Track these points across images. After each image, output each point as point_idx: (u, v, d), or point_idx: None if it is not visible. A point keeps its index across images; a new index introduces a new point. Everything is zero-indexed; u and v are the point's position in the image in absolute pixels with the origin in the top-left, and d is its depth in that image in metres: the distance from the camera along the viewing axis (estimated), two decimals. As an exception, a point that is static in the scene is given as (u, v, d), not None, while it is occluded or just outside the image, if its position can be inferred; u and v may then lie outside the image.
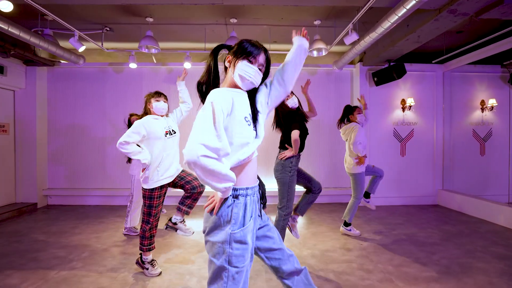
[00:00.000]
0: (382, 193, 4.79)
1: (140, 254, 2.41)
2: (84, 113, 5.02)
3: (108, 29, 4.17)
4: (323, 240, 3.26)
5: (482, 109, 5.08)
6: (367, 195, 3.51)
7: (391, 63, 4.57)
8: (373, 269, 2.51)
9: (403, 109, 4.95)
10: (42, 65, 4.76)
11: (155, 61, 5.03)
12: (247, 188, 1.18)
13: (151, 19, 3.86)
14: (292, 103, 2.64)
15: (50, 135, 4.99)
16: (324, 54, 3.99)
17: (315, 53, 4.04)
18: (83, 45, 3.61)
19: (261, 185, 1.34)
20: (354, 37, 3.17)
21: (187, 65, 4.38)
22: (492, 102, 5.01)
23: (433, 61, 4.65)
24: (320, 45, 3.82)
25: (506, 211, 3.74)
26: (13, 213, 4.23)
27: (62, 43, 4.37)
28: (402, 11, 2.60)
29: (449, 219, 4.10)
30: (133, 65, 4.39)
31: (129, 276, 2.38)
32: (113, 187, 4.99)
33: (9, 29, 3.02)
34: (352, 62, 5.22)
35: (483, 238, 3.28)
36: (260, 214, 1.28)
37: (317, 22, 3.92)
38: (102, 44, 4.19)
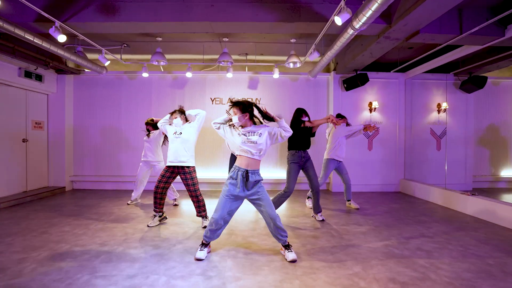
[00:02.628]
0: (352, 182, 5.73)
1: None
2: (103, 112, 6.06)
3: (125, 45, 5.20)
4: (291, 212, 4.23)
5: (438, 111, 6.01)
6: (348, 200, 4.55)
7: (358, 72, 5.52)
8: (320, 227, 3.47)
9: (370, 110, 5.90)
10: (70, 73, 5.81)
11: (162, 70, 6.05)
12: (239, 168, 2.41)
13: (160, 39, 4.88)
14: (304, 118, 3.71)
15: (76, 131, 6.04)
16: (298, 65, 4.96)
17: (291, 65, 5.02)
18: (108, 60, 4.63)
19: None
20: (315, 55, 4.15)
21: (189, 74, 5.40)
22: (445, 105, 5.94)
23: (391, 71, 5.60)
24: (295, 59, 4.80)
25: (439, 192, 4.67)
26: (47, 193, 5.28)
27: (89, 55, 5.42)
28: (346, 37, 3.54)
29: (401, 200, 5.04)
30: (145, 74, 5.42)
31: (145, 228, 3.38)
32: (125, 174, 6.02)
33: (58, 51, 4.06)
34: (328, 71, 6.18)
35: (416, 211, 4.23)
36: (245, 186, 2.44)
37: (292, 40, 4.91)
38: (121, 57, 5.22)
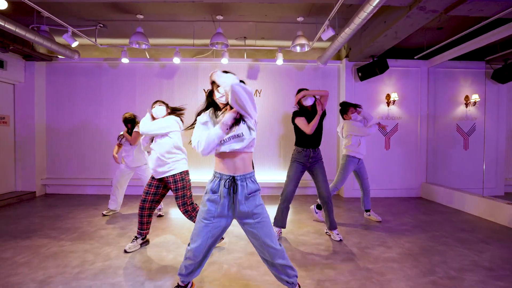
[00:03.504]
0: (366, 185, 4.95)
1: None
2: (81, 106, 5.25)
3: (101, 25, 4.38)
4: (299, 226, 3.45)
5: (466, 104, 5.20)
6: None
7: (375, 59, 4.71)
8: (339, 251, 2.69)
9: (388, 103, 5.09)
10: (41, 60, 5.00)
11: (148, 57, 5.24)
12: (221, 175, 1.62)
13: (141, 16, 4.07)
14: (306, 102, 2.85)
15: (49, 127, 5.24)
16: (306, 49, 4.16)
17: (298, 49, 4.21)
18: (76, 40, 3.82)
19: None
20: (330, 33, 3.33)
21: (177, 60, 4.58)
22: (475, 97, 5.13)
23: (415, 57, 4.78)
24: (303, 40, 3.99)
25: (478, 201, 3.88)
26: (12, 200, 4.50)
27: (59, 39, 4.60)
28: (369, 8, 2.75)
29: (427, 210, 4.25)
30: (125, 60, 4.60)
31: (113, 251, 2.60)
32: (108, 177, 5.23)
33: (6, 25, 3.24)
34: (338, 58, 5.36)
35: (453, 226, 3.45)
36: (234, 204, 1.63)
37: (300, 19, 4.09)
38: (95, 40, 4.40)
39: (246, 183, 1.60)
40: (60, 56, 5.08)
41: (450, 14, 3.09)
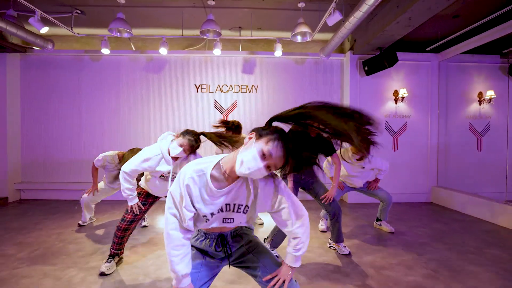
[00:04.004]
0: (372, 190, 4.51)
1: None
2: (59, 102, 4.75)
3: (78, 12, 3.90)
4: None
5: (480, 102, 4.79)
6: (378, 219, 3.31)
7: (382, 51, 4.27)
8: (351, 272, 2.24)
9: (396, 100, 4.66)
10: (13, 52, 4.50)
11: (134, 49, 4.76)
12: (206, 234, 1.23)
13: (123, 1, 3.59)
14: None
15: (24, 125, 4.74)
16: (309, 39, 3.72)
17: (299, 38, 3.77)
18: (45, 26, 3.33)
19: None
20: (337, 17, 2.90)
21: (163, 51, 4.11)
22: (490, 94, 4.72)
23: (427, 49, 4.36)
24: (305, 28, 3.54)
25: (502, 209, 3.46)
26: (-21, 207, 3.99)
27: (31, 27, 4.10)
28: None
29: (442, 217, 3.83)
30: (105, 51, 4.13)
31: (77, 275, 2.12)
32: (89, 181, 4.73)
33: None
34: (342, 51, 4.93)
35: (476, 238, 3.02)
36: (226, 254, 1.24)
37: (301, 5, 3.64)
38: (72, 27, 3.92)
39: (241, 235, 1.26)
40: (36, 48, 4.58)
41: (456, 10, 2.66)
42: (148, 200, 2.24)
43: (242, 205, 1.09)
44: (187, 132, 1.99)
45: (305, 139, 0.99)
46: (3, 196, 4.47)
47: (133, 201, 2.11)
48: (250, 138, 1.02)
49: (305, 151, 0.95)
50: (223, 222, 1.12)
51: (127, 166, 2.01)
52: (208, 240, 1.22)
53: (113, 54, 4.57)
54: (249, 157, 0.95)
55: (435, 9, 3.02)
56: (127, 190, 2.06)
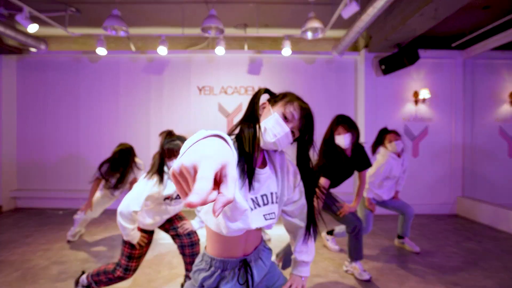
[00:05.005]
0: (391, 200, 4.10)
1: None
2: (57, 106, 4.54)
3: (73, 10, 3.66)
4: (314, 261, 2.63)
5: (511, 103, 4.33)
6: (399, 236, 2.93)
7: (402, 47, 3.88)
8: (374, 307, 1.87)
9: (416, 102, 4.25)
10: (9, 53, 4.31)
11: (133, 49, 4.51)
12: (223, 261, 0.91)
13: (117, -5, 3.34)
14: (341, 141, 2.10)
15: (20, 130, 4.54)
16: (320, 35, 3.37)
17: (309, 35, 3.42)
18: (33, 23, 3.08)
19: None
20: (353, 7, 2.54)
21: (163, 50, 3.84)
22: (524, 94, 4.26)
23: (452, 45, 3.94)
24: (316, 24, 3.20)
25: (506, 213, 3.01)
26: (-29, 217, 3.79)
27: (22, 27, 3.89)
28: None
29: (472, 234, 3.39)
30: (102, 51, 3.87)
31: (51, 309, 1.83)
32: (87, 188, 4.49)
33: None
34: (356, 49, 4.55)
35: (519, 262, 2.59)
36: None
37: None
38: (66, 27, 3.68)
39: (262, 259, 0.98)
40: (32, 49, 4.39)
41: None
42: (147, 237, 1.84)
43: (272, 192, 0.93)
44: (171, 140, 1.67)
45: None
46: (-2, 204, 4.28)
47: (136, 235, 1.73)
48: (263, 108, 0.96)
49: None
50: (265, 219, 0.90)
51: (129, 204, 1.57)
52: (226, 272, 0.89)
53: (110, 54, 4.33)
54: (272, 123, 0.88)
55: (459, 3, 2.63)
56: (130, 230, 1.64)
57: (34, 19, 3.19)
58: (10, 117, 4.44)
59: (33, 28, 3.08)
